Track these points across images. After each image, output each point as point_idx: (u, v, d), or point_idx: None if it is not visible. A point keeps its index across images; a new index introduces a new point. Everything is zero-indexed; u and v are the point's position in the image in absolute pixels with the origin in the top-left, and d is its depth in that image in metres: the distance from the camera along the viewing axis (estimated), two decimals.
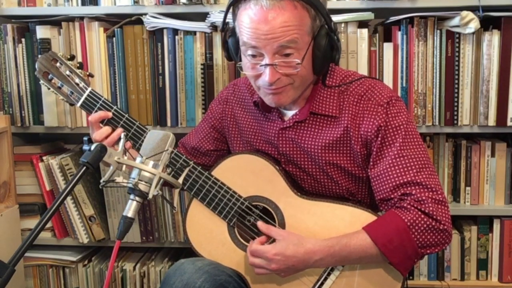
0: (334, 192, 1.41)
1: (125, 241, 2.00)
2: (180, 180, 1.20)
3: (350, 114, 1.34)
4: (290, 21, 1.21)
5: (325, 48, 1.28)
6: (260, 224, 1.37)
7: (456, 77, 1.81)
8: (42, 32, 1.91)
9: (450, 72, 1.81)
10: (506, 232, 1.91)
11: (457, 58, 1.80)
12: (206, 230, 1.44)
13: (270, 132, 1.43)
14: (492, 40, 1.78)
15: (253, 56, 1.27)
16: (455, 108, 1.82)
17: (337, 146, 1.36)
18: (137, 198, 1.10)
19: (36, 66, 1.52)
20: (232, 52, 1.36)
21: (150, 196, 1.10)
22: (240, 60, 1.33)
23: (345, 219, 1.33)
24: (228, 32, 1.35)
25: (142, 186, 1.10)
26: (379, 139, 1.30)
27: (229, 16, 1.34)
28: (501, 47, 1.78)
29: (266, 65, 1.25)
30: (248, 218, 1.41)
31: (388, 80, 1.83)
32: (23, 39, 1.94)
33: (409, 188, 1.27)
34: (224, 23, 1.35)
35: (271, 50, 1.23)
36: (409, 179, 1.27)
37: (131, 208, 1.10)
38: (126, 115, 1.49)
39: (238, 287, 1.36)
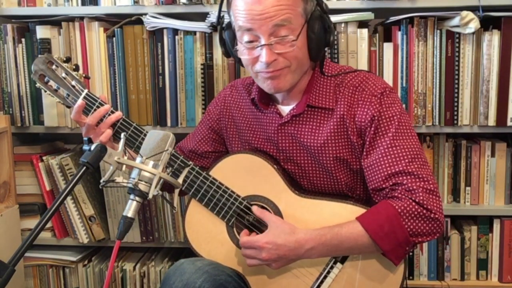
0: (333, 189, 1.41)
1: (125, 241, 2.00)
2: (180, 180, 1.20)
3: (345, 105, 1.35)
4: (282, 1, 1.25)
5: (319, 31, 1.31)
6: (255, 208, 1.37)
7: (456, 77, 1.81)
8: (42, 32, 1.91)
9: (450, 72, 1.81)
10: (506, 232, 1.91)
11: (457, 58, 1.80)
12: (205, 230, 1.44)
13: (269, 129, 1.44)
14: (492, 40, 1.78)
15: (250, 42, 1.30)
16: (455, 108, 1.82)
17: (336, 138, 1.36)
18: (137, 198, 1.10)
19: (32, 69, 1.52)
20: (229, 45, 1.38)
21: (150, 196, 1.10)
22: (236, 53, 1.36)
23: (344, 217, 1.33)
24: (224, 26, 1.38)
25: (142, 186, 1.10)
26: (373, 129, 1.31)
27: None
28: (501, 47, 1.78)
29: (262, 45, 1.27)
30: (247, 217, 1.41)
31: (388, 80, 1.83)
32: (23, 39, 1.94)
33: (400, 178, 1.28)
34: (219, 16, 1.39)
35: (266, 30, 1.26)
36: (401, 168, 1.28)
37: (131, 208, 1.10)
38: (123, 117, 1.49)
39: (238, 287, 1.36)
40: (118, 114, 1.48)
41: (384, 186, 1.30)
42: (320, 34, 1.31)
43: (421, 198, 1.25)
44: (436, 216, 1.26)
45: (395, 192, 1.27)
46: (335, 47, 1.80)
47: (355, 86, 1.36)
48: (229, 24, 1.37)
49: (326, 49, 1.38)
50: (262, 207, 1.41)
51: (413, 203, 1.25)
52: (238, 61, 1.39)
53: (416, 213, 1.24)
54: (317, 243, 1.27)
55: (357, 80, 1.37)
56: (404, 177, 1.27)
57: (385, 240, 1.25)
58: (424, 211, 1.25)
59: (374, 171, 1.31)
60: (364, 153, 1.33)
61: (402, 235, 1.25)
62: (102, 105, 1.50)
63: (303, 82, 1.40)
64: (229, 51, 1.40)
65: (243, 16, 1.27)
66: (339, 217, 1.34)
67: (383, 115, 1.31)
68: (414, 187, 1.26)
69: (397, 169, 1.28)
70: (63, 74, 1.52)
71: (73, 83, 1.51)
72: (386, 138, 1.30)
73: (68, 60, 1.55)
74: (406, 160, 1.28)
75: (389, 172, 1.28)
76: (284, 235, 1.28)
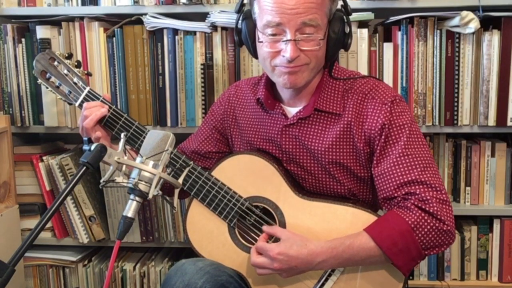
0: (336, 192, 1.41)
1: (125, 241, 2.00)
2: (180, 180, 1.20)
3: (353, 112, 1.35)
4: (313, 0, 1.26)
5: (340, 33, 1.32)
6: (265, 227, 1.37)
7: (456, 77, 1.81)
8: (42, 32, 1.91)
9: (450, 72, 1.81)
10: (506, 232, 1.91)
11: (457, 58, 1.80)
12: (206, 231, 1.44)
13: (273, 130, 1.43)
14: (492, 40, 1.78)
15: (273, 35, 1.29)
16: (455, 108, 1.82)
17: (341, 144, 1.36)
18: (137, 198, 1.10)
19: (34, 65, 1.52)
20: (246, 34, 1.36)
21: (150, 196, 1.10)
22: (253, 44, 1.35)
23: (346, 219, 1.33)
24: (243, 15, 1.37)
25: (142, 186, 1.10)
26: (383, 137, 1.30)
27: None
28: (501, 47, 1.78)
29: (288, 40, 1.27)
30: (249, 218, 1.41)
31: (388, 80, 1.83)
32: (23, 39, 1.94)
33: (413, 187, 1.26)
34: (242, 4, 1.37)
35: (294, 25, 1.26)
36: (414, 177, 1.27)
37: (131, 208, 1.10)
38: (125, 115, 1.49)
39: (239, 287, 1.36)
40: (105, 110, 1.47)
41: (396, 195, 1.28)
42: (340, 36, 1.32)
43: (435, 208, 1.23)
44: (449, 227, 1.25)
45: (407, 202, 1.26)
46: None
47: (365, 94, 1.35)
48: (249, 14, 1.36)
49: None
50: (264, 208, 1.41)
51: (426, 216, 1.23)
52: (253, 53, 1.38)
53: (428, 226, 1.23)
54: (329, 256, 1.26)
55: (367, 87, 1.36)
56: (417, 187, 1.26)
57: (398, 256, 1.24)
58: (437, 223, 1.23)
59: (386, 179, 1.30)
60: (374, 162, 1.32)
61: (416, 250, 1.24)
62: (104, 103, 1.50)
63: (313, 83, 1.39)
64: (244, 40, 1.38)
65: (273, 9, 1.26)
66: (341, 219, 1.33)
67: (394, 123, 1.30)
68: (428, 197, 1.24)
69: (409, 178, 1.27)
70: (65, 71, 1.51)
71: (75, 80, 1.51)
72: (397, 147, 1.29)
73: (70, 56, 1.54)
74: (419, 169, 1.27)
75: (402, 181, 1.27)
76: (297, 246, 1.27)
